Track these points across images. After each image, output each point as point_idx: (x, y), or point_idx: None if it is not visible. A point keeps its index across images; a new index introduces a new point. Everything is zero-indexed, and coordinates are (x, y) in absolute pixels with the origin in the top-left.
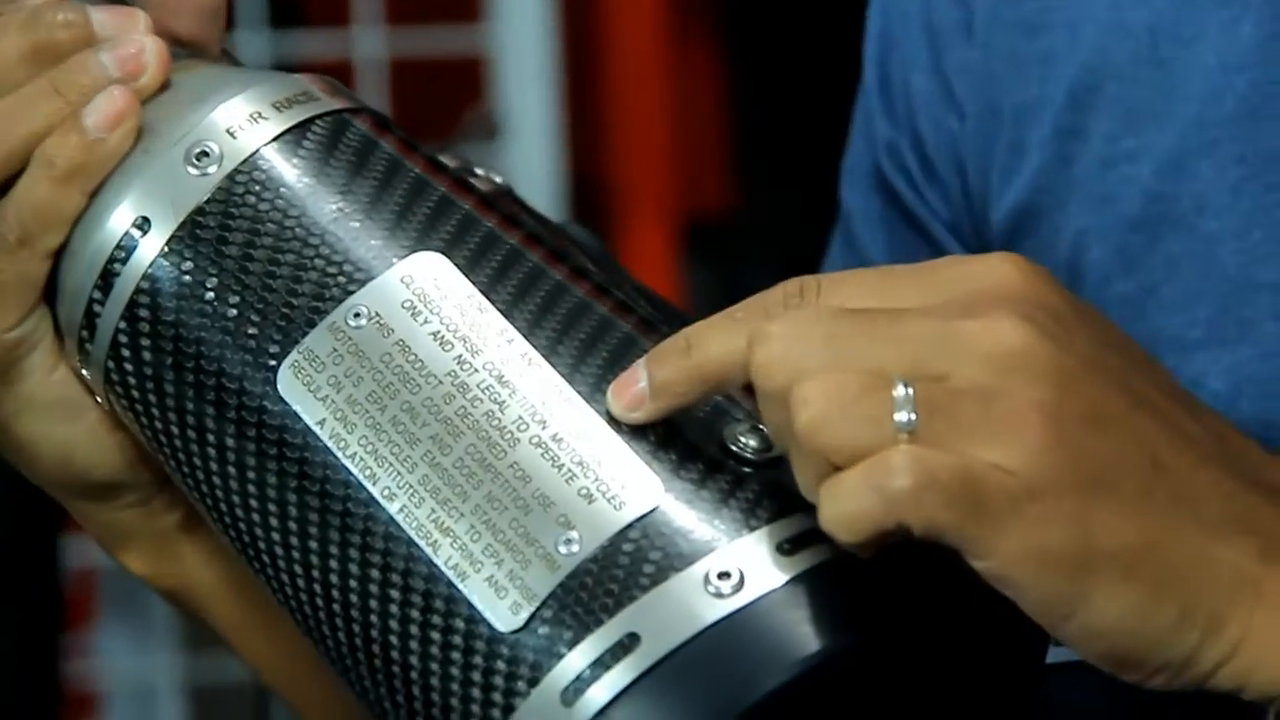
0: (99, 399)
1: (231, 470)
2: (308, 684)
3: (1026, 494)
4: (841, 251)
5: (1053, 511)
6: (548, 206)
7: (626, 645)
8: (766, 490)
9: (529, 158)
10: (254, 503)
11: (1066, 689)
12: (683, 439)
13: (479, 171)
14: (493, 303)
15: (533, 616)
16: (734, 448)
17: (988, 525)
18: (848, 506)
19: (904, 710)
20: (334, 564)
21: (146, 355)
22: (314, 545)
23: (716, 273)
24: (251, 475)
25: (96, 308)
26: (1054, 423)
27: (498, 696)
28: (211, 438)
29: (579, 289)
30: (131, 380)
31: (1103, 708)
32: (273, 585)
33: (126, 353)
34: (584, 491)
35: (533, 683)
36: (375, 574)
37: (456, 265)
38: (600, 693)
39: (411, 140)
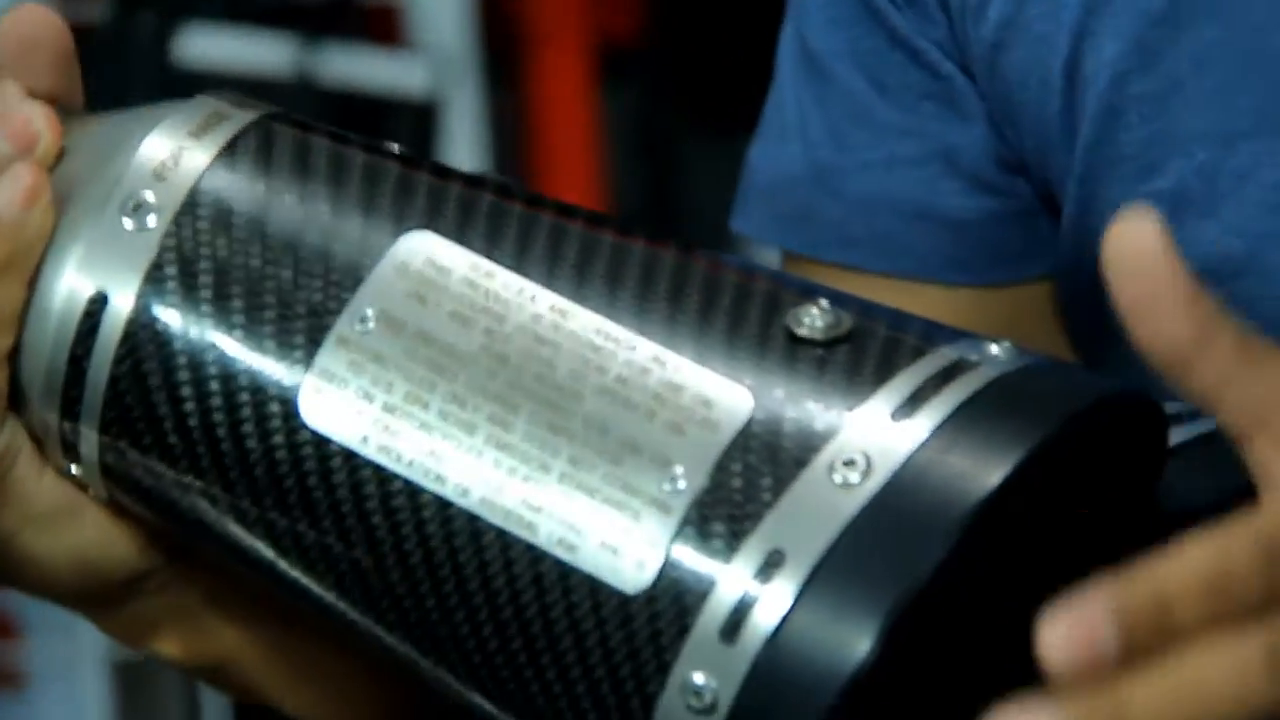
0: (94, 492)
1: (278, 522)
2: None
3: None
4: (814, 92)
5: None
6: (460, 37)
7: (773, 563)
8: (854, 364)
9: None
10: (311, 549)
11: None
12: (749, 338)
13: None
14: (499, 263)
15: (661, 567)
16: (802, 333)
17: None
18: None
19: (1061, 533)
20: (423, 585)
21: (145, 436)
22: (394, 573)
23: (630, 100)
24: (301, 521)
25: (73, 400)
26: None
27: (648, 658)
28: (246, 498)
29: (575, 226)
30: (135, 464)
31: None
32: (355, 628)
33: (122, 437)
34: (670, 424)
35: (682, 632)
36: (473, 581)
37: (446, 237)
38: (762, 619)
39: (337, 130)
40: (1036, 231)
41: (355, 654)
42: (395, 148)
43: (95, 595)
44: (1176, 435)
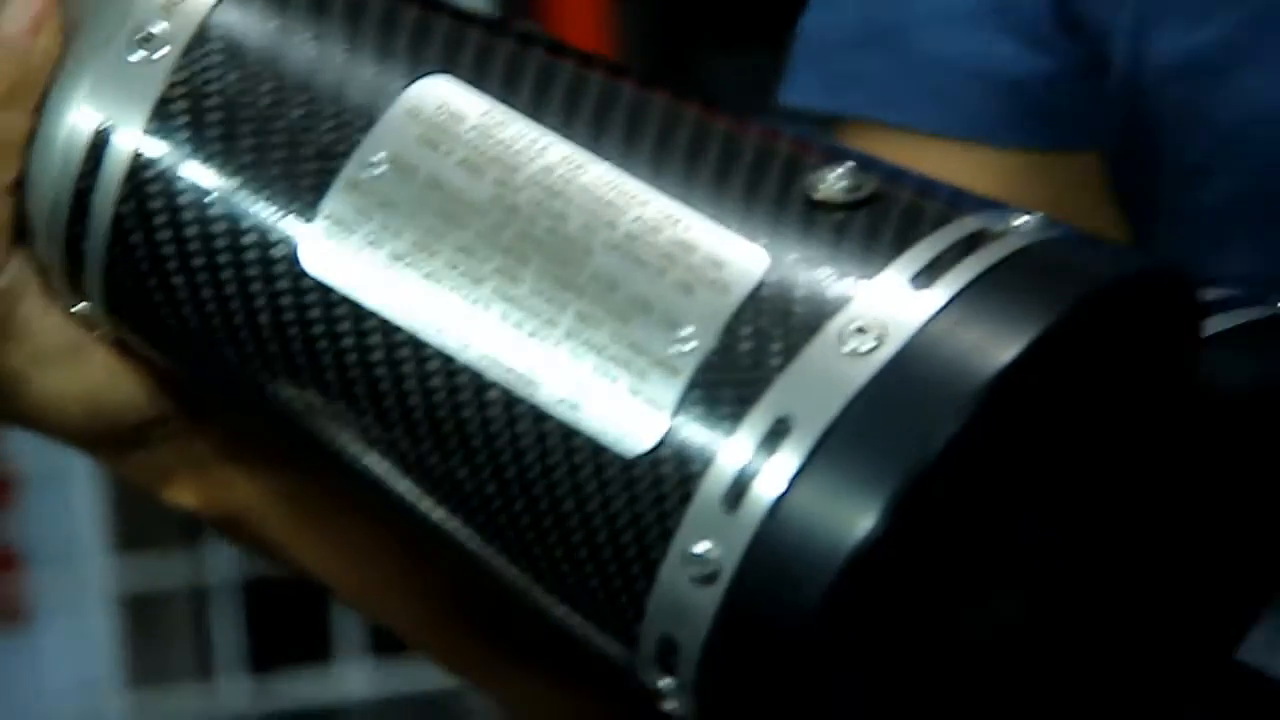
0: (102, 331)
1: (280, 371)
2: (378, 588)
3: None
4: None
5: None
6: None
7: (779, 431)
8: (873, 229)
9: None
10: (312, 397)
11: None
12: (766, 199)
13: None
14: (514, 111)
15: (666, 430)
16: (822, 196)
17: None
18: None
19: (1084, 414)
20: (425, 440)
21: (149, 276)
22: (397, 426)
23: (645, 15)
24: (304, 368)
25: (78, 234)
26: None
27: (650, 523)
28: (249, 343)
29: (596, 75)
30: (138, 303)
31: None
32: (358, 478)
33: (126, 276)
34: (680, 283)
35: (685, 499)
36: (476, 438)
37: (462, 82)
38: (766, 488)
39: None
40: (1092, 96)
41: (370, 513)
42: None
43: (106, 438)
44: (1220, 322)
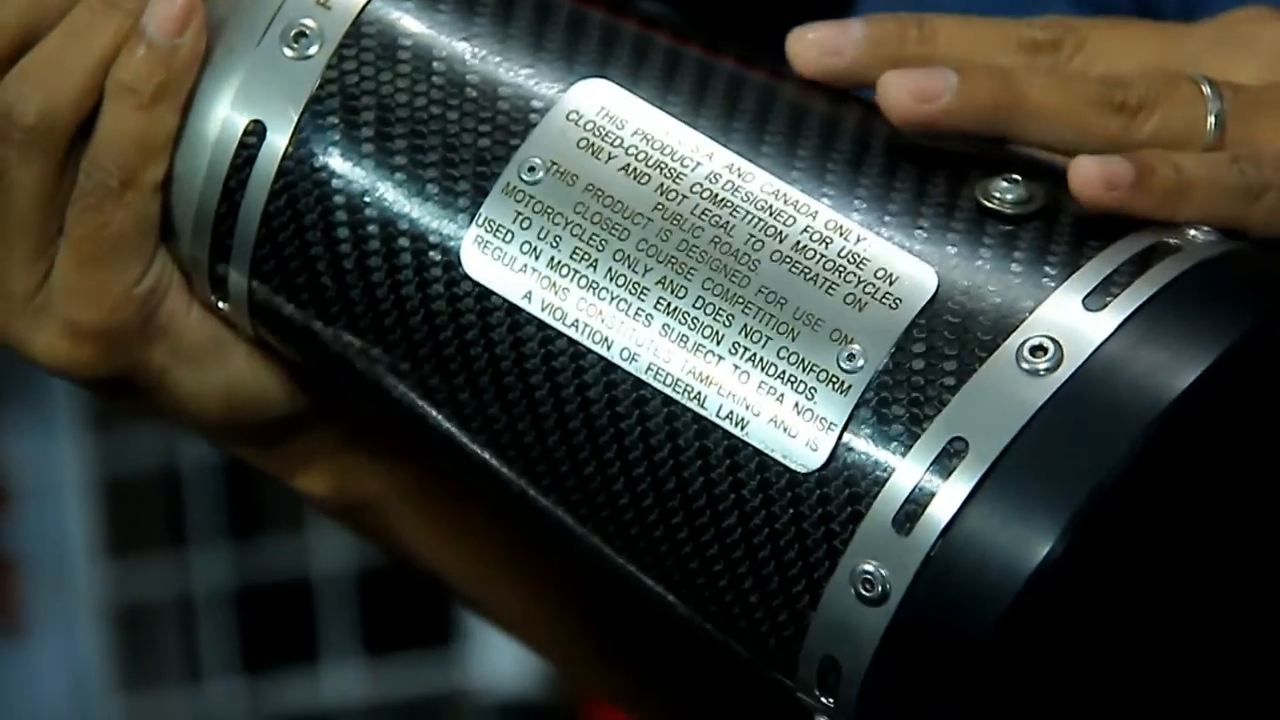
0: (243, 329)
1: (432, 375)
2: (501, 585)
3: None
4: None
5: None
6: None
7: (954, 452)
8: (1046, 243)
9: None
10: (465, 405)
11: None
12: (935, 211)
13: None
14: (675, 117)
15: (835, 449)
16: (992, 206)
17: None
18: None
19: (1267, 438)
20: (583, 451)
21: (298, 276)
22: (553, 436)
23: None
24: (457, 376)
25: (225, 233)
26: None
27: (817, 543)
28: (399, 348)
29: (755, 75)
30: (283, 304)
31: None
32: (507, 489)
33: (273, 277)
34: (850, 298)
35: (855, 519)
36: (635, 450)
37: (620, 85)
38: (940, 510)
39: None
40: None
41: (502, 515)
42: None
43: (242, 433)
44: None
